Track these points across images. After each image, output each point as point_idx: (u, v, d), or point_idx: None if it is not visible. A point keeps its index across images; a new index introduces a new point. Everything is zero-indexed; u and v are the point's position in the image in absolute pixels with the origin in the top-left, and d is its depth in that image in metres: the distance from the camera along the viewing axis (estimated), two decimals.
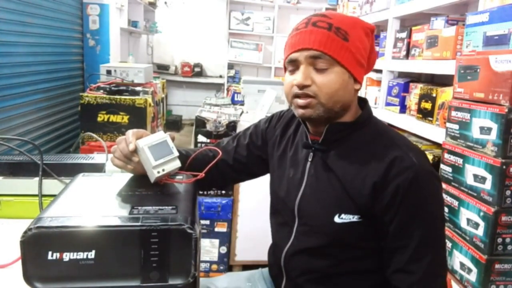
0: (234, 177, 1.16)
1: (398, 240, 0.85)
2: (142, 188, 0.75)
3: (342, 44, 0.87)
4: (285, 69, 0.96)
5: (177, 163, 0.85)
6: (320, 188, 0.92)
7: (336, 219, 0.89)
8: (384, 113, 2.79)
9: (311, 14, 0.95)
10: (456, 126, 1.49)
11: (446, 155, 1.53)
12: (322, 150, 0.94)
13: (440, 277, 0.87)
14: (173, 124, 5.68)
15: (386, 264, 0.88)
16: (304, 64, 0.88)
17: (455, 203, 1.47)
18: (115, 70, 2.90)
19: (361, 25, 0.92)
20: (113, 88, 2.62)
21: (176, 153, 0.85)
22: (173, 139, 0.88)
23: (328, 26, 0.88)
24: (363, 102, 0.98)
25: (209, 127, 2.14)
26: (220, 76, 6.23)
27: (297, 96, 0.90)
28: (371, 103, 3.25)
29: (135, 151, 0.84)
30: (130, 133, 0.89)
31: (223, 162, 1.10)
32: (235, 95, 3.18)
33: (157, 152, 0.80)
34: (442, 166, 1.56)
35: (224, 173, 1.11)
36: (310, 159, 0.96)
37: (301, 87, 0.88)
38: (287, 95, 0.94)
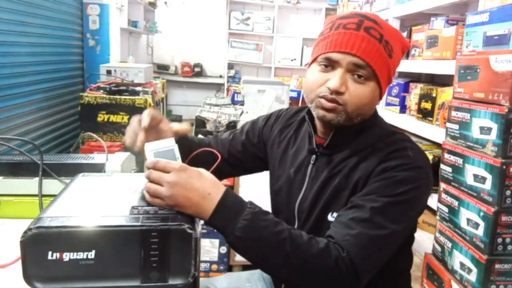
0: (229, 171, 1.14)
1: (357, 199, 0.82)
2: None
3: (386, 60, 0.85)
4: (314, 61, 0.90)
5: None
6: (319, 189, 0.92)
7: (329, 217, 0.89)
8: (384, 113, 2.79)
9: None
10: (456, 126, 1.49)
11: (446, 155, 1.53)
12: (326, 154, 0.94)
13: (375, 253, 0.79)
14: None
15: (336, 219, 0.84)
16: (344, 68, 0.84)
17: (455, 203, 1.47)
18: (115, 70, 2.90)
19: (401, 42, 0.90)
20: (113, 88, 2.62)
21: (180, 163, 0.84)
22: (187, 132, 0.90)
23: (380, 38, 0.84)
24: None
25: (209, 127, 2.14)
26: (220, 76, 6.22)
27: (323, 97, 0.86)
28: None
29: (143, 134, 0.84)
30: (146, 112, 0.87)
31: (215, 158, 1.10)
32: (235, 95, 3.18)
33: (162, 158, 0.79)
34: (442, 166, 1.56)
35: (220, 167, 1.09)
36: (312, 162, 0.95)
37: (335, 92, 0.84)
38: (310, 91, 0.89)
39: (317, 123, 0.96)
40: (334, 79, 0.84)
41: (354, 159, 0.89)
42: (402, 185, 0.81)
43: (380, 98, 0.91)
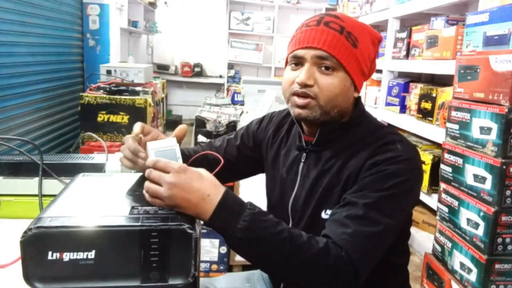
0: (225, 176, 1.14)
1: (350, 196, 0.83)
2: (142, 188, 0.75)
3: (351, 50, 0.87)
4: (286, 63, 0.94)
5: None
6: (311, 187, 0.92)
7: (323, 215, 0.89)
8: (384, 113, 2.79)
9: (317, 13, 0.94)
10: (456, 126, 1.49)
11: (446, 155, 1.53)
12: (315, 151, 0.94)
13: (373, 249, 0.80)
14: (173, 124, 5.64)
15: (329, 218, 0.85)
16: (309, 63, 0.87)
17: (455, 203, 1.47)
18: (115, 70, 2.90)
19: (370, 33, 0.92)
20: (113, 88, 2.62)
21: (180, 163, 0.84)
22: (182, 137, 0.89)
23: (340, 29, 0.87)
24: (355, 100, 0.96)
25: (209, 127, 2.13)
26: (220, 76, 6.23)
27: (296, 94, 0.89)
28: (371, 103, 3.27)
29: (142, 149, 0.84)
30: (136, 125, 0.87)
31: (215, 162, 1.09)
32: (235, 95, 3.18)
33: (163, 157, 0.80)
34: (442, 166, 1.56)
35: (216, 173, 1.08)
36: (303, 160, 0.96)
37: (303, 86, 0.87)
38: (284, 91, 0.93)
39: (303, 122, 0.97)
40: (302, 73, 0.87)
41: (343, 155, 0.90)
42: (392, 178, 0.82)
43: (358, 90, 0.92)
